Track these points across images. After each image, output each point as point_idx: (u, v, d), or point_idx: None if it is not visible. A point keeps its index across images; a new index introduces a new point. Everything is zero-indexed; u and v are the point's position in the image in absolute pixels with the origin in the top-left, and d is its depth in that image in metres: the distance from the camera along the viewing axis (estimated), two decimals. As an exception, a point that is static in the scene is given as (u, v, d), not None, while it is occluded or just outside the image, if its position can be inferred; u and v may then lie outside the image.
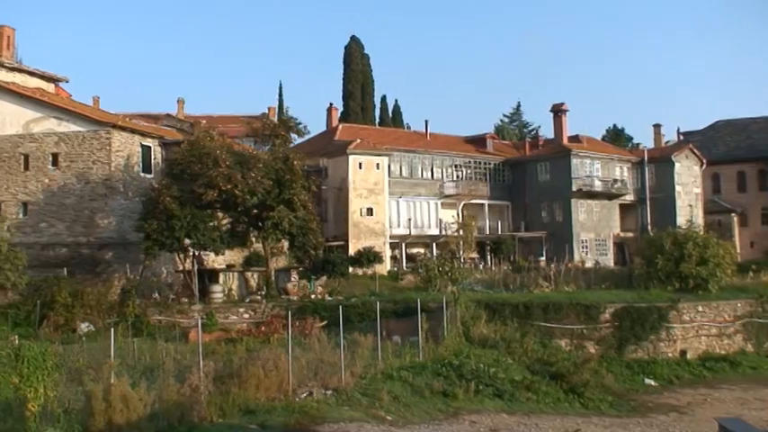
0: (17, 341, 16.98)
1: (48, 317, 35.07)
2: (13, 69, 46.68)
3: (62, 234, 42.07)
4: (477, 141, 72.41)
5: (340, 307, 30.17)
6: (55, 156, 42.65)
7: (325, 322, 34.48)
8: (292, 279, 46.54)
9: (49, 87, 48.96)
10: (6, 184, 43.06)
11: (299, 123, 46.93)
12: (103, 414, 14.97)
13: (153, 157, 45.50)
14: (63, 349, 24.51)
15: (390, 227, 60.64)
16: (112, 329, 20.88)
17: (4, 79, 45.35)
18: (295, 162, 42.41)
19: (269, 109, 67.93)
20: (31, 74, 47.94)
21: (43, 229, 42.32)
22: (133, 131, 44.62)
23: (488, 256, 64.48)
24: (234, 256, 47.26)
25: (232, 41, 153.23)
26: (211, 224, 40.26)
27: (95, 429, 14.89)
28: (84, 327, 34.80)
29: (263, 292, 43.17)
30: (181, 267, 42.49)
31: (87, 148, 42.29)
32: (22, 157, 43.07)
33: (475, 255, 63.82)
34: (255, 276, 46.69)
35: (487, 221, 67.57)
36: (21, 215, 42.74)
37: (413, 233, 62.63)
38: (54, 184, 42.44)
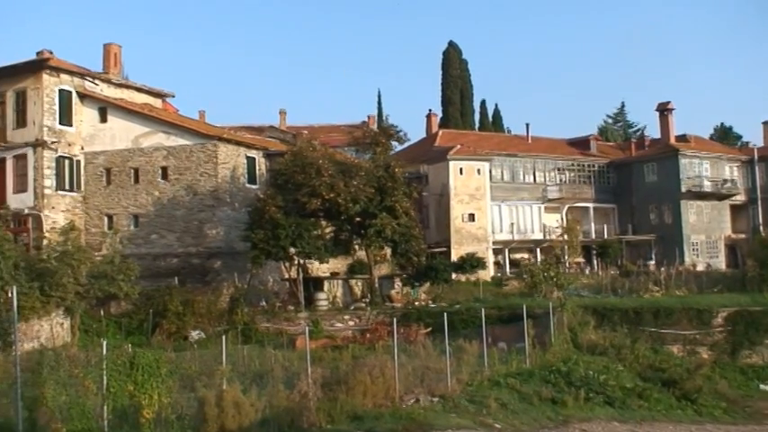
0: (131, 349, 17.45)
1: (160, 325, 36.07)
2: (120, 86, 48.29)
3: (172, 245, 43.21)
4: (581, 143, 71.27)
5: (444, 314, 30.05)
6: (164, 169, 43.86)
7: (429, 329, 34.42)
8: (396, 286, 46.63)
9: (157, 103, 50.45)
10: (118, 198, 44.50)
11: (399, 131, 47.04)
12: (216, 420, 15.25)
13: (257, 168, 46.37)
14: (175, 356, 25.14)
15: (493, 232, 60.18)
16: (223, 337, 21.24)
17: (112, 96, 46.93)
18: (396, 169, 42.51)
19: (368, 117, 68.41)
20: (139, 90, 49.50)
21: (154, 240, 43.57)
22: (238, 143, 45.56)
23: (594, 261, 63.29)
24: (338, 263, 47.65)
25: (331, 52, 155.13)
26: (315, 233, 40.70)
27: (208, 435, 15.18)
28: (195, 334, 35.64)
29: (368, 300, 43.36)
30: (286, 276, 43.10)
31: (195, 160, 43.36)
32: (133, 171, 44.46)
33: (580, 259, 62.76)
34: (359, 284, 46.96)
35: (593, 225, 66.32)
36: (132, 227, 44.10)
37: (516, 238, 61.99)
38: (164, 196, 43.65)
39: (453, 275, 50.17)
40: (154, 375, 13.46)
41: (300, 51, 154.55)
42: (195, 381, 19.38)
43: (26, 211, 42.43)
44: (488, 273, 55.88)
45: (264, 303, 40.97)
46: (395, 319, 26.74)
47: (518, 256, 62.59)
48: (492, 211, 60.51)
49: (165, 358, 15.47)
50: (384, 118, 54.46)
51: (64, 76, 44.48)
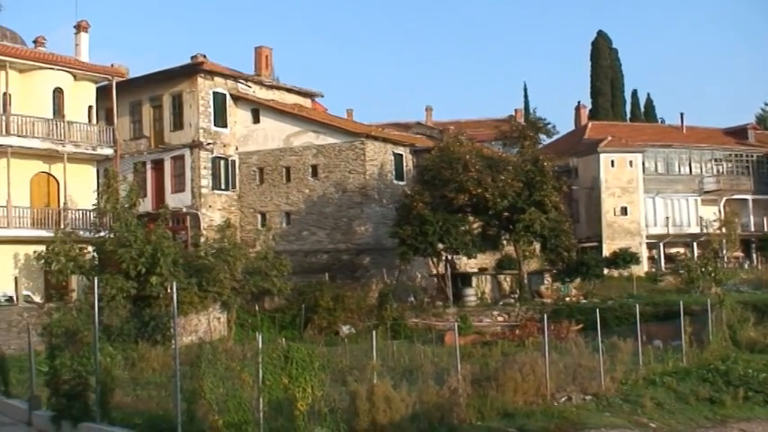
0: (284, 343, 17.79)
1: (311, 320, 36.80)
2: (272, 87, 49.60)
3: (323, 241, 44.03)
4: (738, 133, 68.05)
5: (596, 310, 29.25)
6: (314, 167, 44.73)
7: (581, 326, 33.63)
8: (545, 282, 45.91)
9: (306, 102, 51.51)
10: (270, 196, 45.72)
11: (547, 123, 46.32)
12: (367, 414, 15.32)
13: (405, 164, 46.64)
14: (327, 351, 25.47)
15: (646, 226, 58.39)
16: (374, 332, 21.38)
17: (264, 97, 48.26)
18: (545, 163, 41.85)
19: (515, 111, 67.60)
20: (289, 90, 50.68)
21: (305, 236, 44.51)
22: (385, 141, 45.96)
23: (754, 255, 60.36)
24: (486, 259, 47.35)
25: (476, 46, 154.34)
26: (463, 228, 40.55)
27: (360, 429, 15.26)
28: (345, 329, 36.15)
29: (516, 296, 42.89)
30: (434, 271, 43.14)
31: (344, 158, 44.00)
32: (284, 169, 45.56)
33: (739, 253, 59.99)
34: (508, 279, 46.47)
35: (752, 217, 63.15)
36: (284, 224, 45.23)
37: (671, 232, 59.88)
38: (314, 193, 44.52)
39: (605, 271, 48.94)
40: (307, 369, 13.60)
41: (446, 47, 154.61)
42: (346, 375, 19.57)
43: (184, 210, 44.19)
44: (642, 268, 54.21)
45: (413, 299, 41.15)
46: (545, 316, 26.23)
47: (674, 250, 60.48)
48: (645, 205, 58.72)
49: (318, 353, 15.65)
50: (531, 111, 53.75)
51: (218, 80, 46.07)
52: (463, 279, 43.79)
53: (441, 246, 40.12)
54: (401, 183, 45.42)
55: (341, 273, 42.37)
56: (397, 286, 41.17)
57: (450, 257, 42.16)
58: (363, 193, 43.51)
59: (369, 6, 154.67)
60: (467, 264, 45.89)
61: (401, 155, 46.64)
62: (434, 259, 41.83)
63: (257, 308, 38.33)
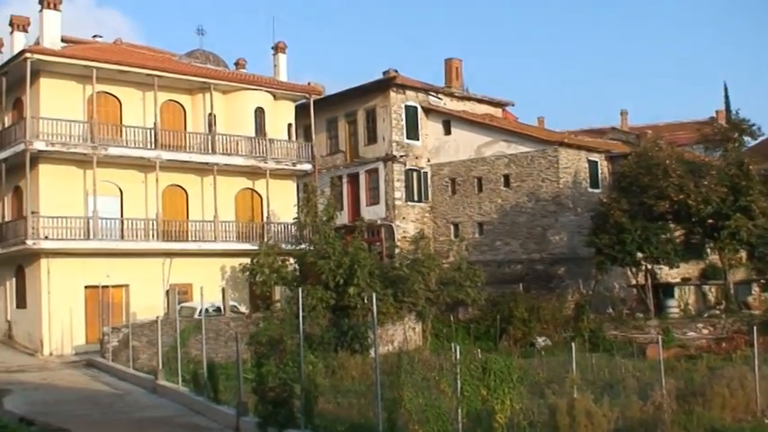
0: (479, 354, 17.73)
1: (506, 331, 36.49)
2: (462, 98, 49.82)
3: (516, 251, 43.64)
4: None
5: (813, 322, 27.32)
6: (506, 177, 44.46)
7: (794, 339, 31.52)
8: (753, 292, 43.37)
9: (497, 112, 51.36)
10: (462, 206, 45.84)
11: (752, 125, 43.93)
12: (568, 429, 14.95)
13: (600, 171, 45.52)
14: (522, 363, 25.18)
15: None
16: (572, 344, 20.92)
17: (455, 108, 48.53)
18: (750, 166, 39.59)
19: (716, 113, 64.44)
20: (479, 101, 50.71)
21: (498, 247, 44.28)
22: (579, 147, 45.04)
23: None
24: (689, 269, 45.34)
25: (673, 48, 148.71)
26: (664, 236, 38.98)
27: (560, 443, 14.96)
28: (541, 341, 35.62)
29: (722, 307, 40.76)
30: (633, 282, 41.74)
31: (536, 167, 43.47)
32: (476, 180, 45.55)
33: None
34: (713, 290, 44.28)
35: None
36: (477, 235, 45.19)
37: None
38: (506, 203, 44.24)
39: (821, 280, 45.63)
40: (506, 381, 13.48)
41: (640, 48, 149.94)
42: (544, 388, 19.25)
43: (379, 222, 45.08)
44: None
45: (611, 310, 40.00)
46: (753, 328, 24.78)
47: None
48: None
49: (516, 364, 15.47)
50: (734, 112, 51.10)
51: (409, 93, 46.80)
52: (665, 290, 42.08)
53: (640, 255, 38.75)
54: (596, 190, 44.32)
55: (535, 283, 41.81)
56: (594, 297, 40.13)
57: (650, 267, 40.63)
58: (557, 202, 42.80)
59: (557, 11, 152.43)
60: (668, 274, 44.06)
61: (596, 162, 45.54)
62: (633, 269, 40.44)
63: (451, 318, 38.47)
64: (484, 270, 39.47)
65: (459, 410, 13.47)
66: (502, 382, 13.55)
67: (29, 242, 33.18)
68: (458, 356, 13.76)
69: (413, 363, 15.79)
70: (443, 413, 13.52)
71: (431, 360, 25.11)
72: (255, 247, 36.78)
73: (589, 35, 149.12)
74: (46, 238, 33.58)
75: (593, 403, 16.25)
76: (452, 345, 14.67)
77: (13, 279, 36.84)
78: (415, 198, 46.32)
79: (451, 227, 46.23)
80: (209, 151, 38.51)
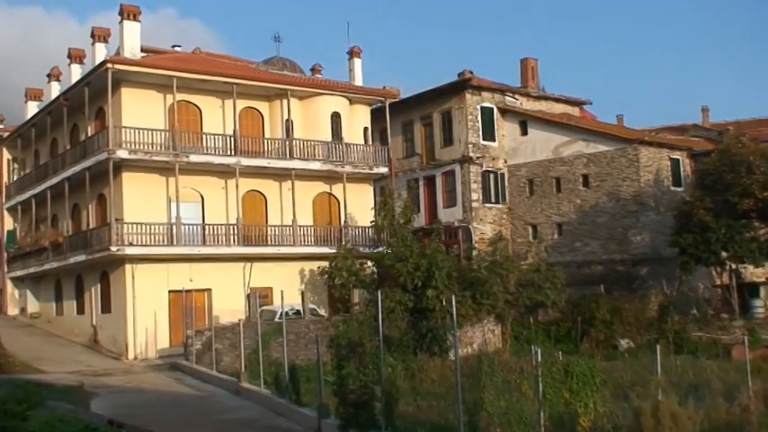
0: (561, 357, 17.49)
1: (588, 333, 35.97)
2: (539, 98, 49.40)
3: (596, 252, 43.05)
4: None
5: None
6: (585, 176, 43.92)
7: None
8: None
9: (574, 111, 50.79)
10: (541, 207, 45.43)
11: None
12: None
13: (682, 169, 44.67)
14: (605, 365, 24.77)
15: None
16: (657, 346, 20.51)
17: (531, 108, 48.15)
18: (838, 162, 38.30)
19: (803, 107, 62.49)
20: (556, 100, 50.22)
21: (578, 248, 43.74)
22: (660, 145, 44.28)
23: None
24: (775, 268, 44.07)
25: (751, 41, 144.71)
26: (749, 235, 37.99)
27: (645, 447, 14.67)
28: (623, 343, 35.05)
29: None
30: (718, 282, 40.78)
31: (616, 166, 42.84)
32: (554, 180, 45.11)
33: None
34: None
35: None
36: (555, 236, 44.73)
37: None
38: (585, 203, 43.70)
39: None
40: (588, 384, 13.31)
41: (720, 44, 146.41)
42: (627, 390, 18.91)
43: (456, 224, 44.98)
44: None
45: (695, 311, 39.14)
46: None
47: None
48: None
49: (598, 367, 15.23)
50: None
51: (485, 94, 46.63)
52: (750, 289, 41.06)
53: (724, 254, 37.84)
54: (678, 189, 43.47)
55: (616, 284, 41.15)
56: (678, 298, 39.30)
57: (735, 266, 39.64)
58: (638, 201, 42.08)
59: (635, 7, 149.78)
60: (753, 273, 42.91)
61: (678, 160, 44.68)
62: (718, 269, 39.52)
63: (531, 320, 38.11)
64: (563, 271, 38.98)
65: (542, 413, 13.33)
66: (585, 384, 13.38)
67: (113, 248, 33.98)
68: (539, 359, 13.61)
69: (493, 365, 15.68)
70: (525, 416, 13.40)
71: (511, 362, 24.91)
72: (333, 251, 37.03)
73: (668, 31, 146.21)
74: (130, 244, 34.35)
75: (678, 406, 15.93)
76: (533, 347, 14.52)
77: (98, 285, 37.80)
78: (492, 199, 46.09)
79: (529, 228, 45.85)
80: (287, 156, 38.92)
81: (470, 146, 45.38)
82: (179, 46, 46.85)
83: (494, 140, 46.50)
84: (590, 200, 43.58)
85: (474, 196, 45.27)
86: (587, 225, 43.51)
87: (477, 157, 45.55)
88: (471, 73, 47.04)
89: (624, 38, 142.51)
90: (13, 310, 46.90)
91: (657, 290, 40.25)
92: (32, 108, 46.71)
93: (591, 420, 13.35)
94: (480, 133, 45.97)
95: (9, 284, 47.16)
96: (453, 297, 16.79)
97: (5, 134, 48.69)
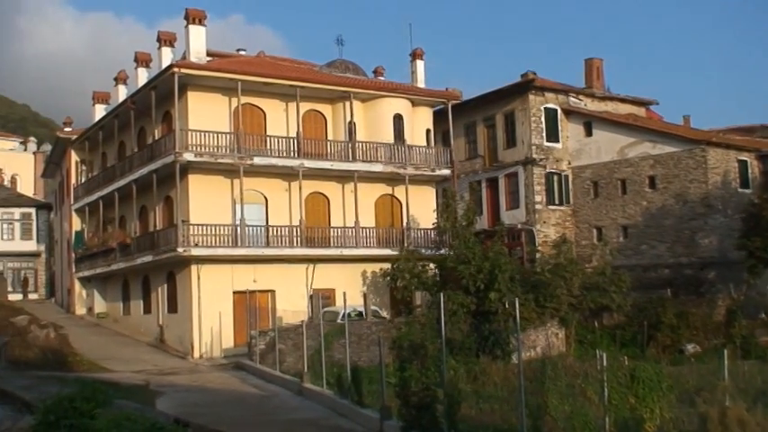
0: (626, 361, 17.29)
1: (653, 338, 35.43)
2: (604, 98, 48.81)
3: (662, 255, 42.36)
4: None
5: None
6: (651, 178, 43.27)
7: None
8: None
9: (640, 112, 50.07)
10: (606, 210, 44.85)
11: None
12: (720, 439, 14.43)
13: (750, 171, 43.79)
14: (672, 370, 24.37)
15: None
16: (724, 351, 20.13)
17: (596, 109, 47.59)
18: None
19: None
20: (622, 101, 49.60)
21: (644, 251, 43.09)
22: (728, 147, 43.49)
23: None
24: None
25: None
26: (819, 238, 37.01)
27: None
28: (690, 348, 34.49)
29: None
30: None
31: (683, 168, 42.12)
32: (619, 182, 44.51)
33: None
34: None
35: None
36: (621, 238, 44.11)
37: None
38: (651, 206, 43.04)
39: None
40: (655, 389, 13.13)
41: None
42: (694, 396, 18.59)
43: (519, 226, 44.65)
44: None
45: (763, 315, 38.28)
46: None
47: None
48: None
49: (665, 372, 15.01)
50: None
51: (549, 95, 46.24)
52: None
53: (795, 258, 36.95)
54: (746, 191, 42.58)
55: (683, 288, 40.43)
56: (746, 302, 38.45)
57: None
58: (706, 204, 41.30)
59: (701, 5, 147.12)
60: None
61: (745, 161, 43.80)
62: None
63: (596, 324, 37.65)
64: (629, 275, 38.40)
65: (607, 419, 13.18)
66: (651, 390, 13.21)
67: (179, 249, 34.51)
68: (604, 363, 13.45)
69: (557, 369, 15.57)
70: (590, 421, 13.28)
71: (575, 367, 24.66)
72: (396, 253, 37.07)
73: (736, 30, 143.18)
74: (196, 245, 34.84)
75: (746, 412, 15.61)
76: (597, 351, 14.37)
77: (165, 285, 38.42)
78: (556, 201, 45.68)
79: (594, 230, 45.31)
80: (350, 159, 39.09)
81: (534, 147, 45.04)
82: (243, 50, 47.41)
83: (557, 142, 46.09)
84: (656, 202, 42.90)
85: (537, 198, 44.92)
86: (653, 228, 42.83)
87: (541, 159, 45.20)
88: (534, 74, 46.70)
89: (691, 38, 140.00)
90: (80, 310, 47.99)
91: (725, 294, 39.46)
92: (100, 111, 47.76)
93: (657, 426, 13.18)
94: (544, 135, 45.59)
95: (77, 284, 48.29)
96: (516, 300, 16.69)
97: (74, 137, 49.75)
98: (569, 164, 46.37)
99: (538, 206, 44.83)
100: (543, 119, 45.62)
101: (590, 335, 36.87)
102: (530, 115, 45.14)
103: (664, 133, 44.38)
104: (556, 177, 45.81)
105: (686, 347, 34.55)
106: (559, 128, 46.21)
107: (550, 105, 46.06)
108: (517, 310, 15.60)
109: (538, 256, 40.06)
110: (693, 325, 35.76)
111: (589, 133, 46.03)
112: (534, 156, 44.94)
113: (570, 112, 46.63)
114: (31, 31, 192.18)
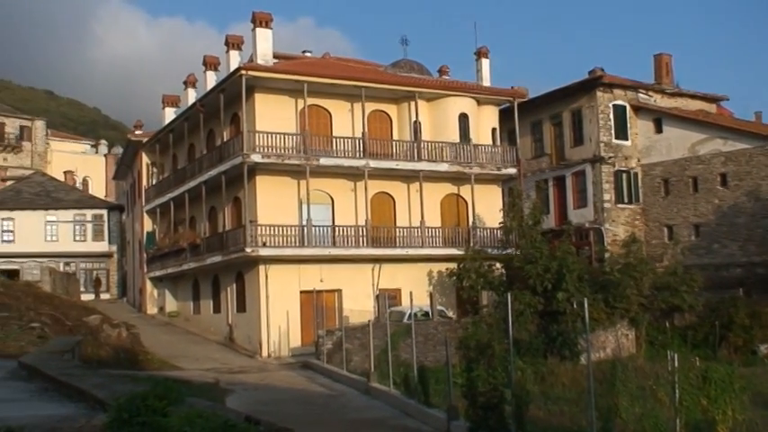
0: (698, 363, 16.97)
1: (725, 338, 34.68)
2: (673, 95, 47.96)
3: (735, 254, 41.45)
4: None
5: None
6: (722, 175, 42.38)
7: None
8: None
9: (711, 108, 49.08)
10: (677, 208, 44.05)
11: None
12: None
13: (826, 167, 42.52)
14: (744, 371, 23.86)
15: None
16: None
17: (666, 105, 46.78)
18: None
19: None
20: (692, 97, 48.68)
21: (716, 250, 42.22)
22: (802, 143, 42.26)
23: None
24: None
25: None
26: None
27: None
28: (763, 349, 33.70)
29: None
30: None
31: (755, 164, 41.17)
32: (690, 179, 43.68)
33: None
34: None
35: None
36: (692, 237, 43.29)
37: None
38: (723, 203, 42.15)
39: None
40: (727, 391, 12.90)
41: None
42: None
43: (587, 225, 44.14)
44: None
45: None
46: None
47: None
48: None
49: (738, 373, 14.70)
50: None
51: (617, 92, 45.61)
52: None
53: None
54: (823, 188, 41.38)
55: (756, 288, 39.43)
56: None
57: None
58: (780, 202, 40.28)
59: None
60: None
61: (821, 157, 42.56)
62: None
63: (667, 325, 36.99)
64: (701, 274, 37.66)
65: (678, 421, 12.96)
66: (723, 391, 12.98)
67: (248, 249, 34.93)
68: (675, 364, 13.23)
69: (627, 371, 15.36)
70: (661, 423, 13.08)
71: (646, 368, 24.29)
72: (461, 252, 36.97)
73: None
74: (264, 245, 35.23)
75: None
76: (668, 352, 14.13)
77: (234, 284, 38.94)
78: (625, 200, 45.02)
79: (665, 229, 44.53)
80: (415, 158, 39.11)
81: (602, 145, 44.48)
82: (309, 51, 47.78)
83: (626, 139, 45.44)
84: (728, 200, 41.99)
85: (606, 197, 44.33)
86: (726, 226, 41.93)
87: (609, 157, 44.60)
88: (602, 70, 46.13)
89: (762, 33, 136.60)
90: (152, 309, 48.96)
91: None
92: (169, 114, 48.63)
93: (729, 428, 12.93)
94: (612, 132, 44.99)
95: (148, 284, 49.28)
96: (585, 300, 16.50)
97: (144, 139, 50.76)
98: (639, 161, 45.66)
99: (606, 205, 44.24)
100: (611, 116, 45.01)
101: (661, 336, 36.19)
102: (597, 112, 44.58)
103: (735, 130, 43.44)
104: (625, 175, 45.15)
105: (759, 348, 33.75)
106: (628, 125, 45.54)
107: (619, 102, 45.43)
108: (586, 311, 15.41)
109: (607, 255, 39.56)
110: (766, 325, 34.88)
111: (659, 130, 45.27)
112: (603, 153, 44.38)
113: (639, 109, 45.92)
114: (105, 36, 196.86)
